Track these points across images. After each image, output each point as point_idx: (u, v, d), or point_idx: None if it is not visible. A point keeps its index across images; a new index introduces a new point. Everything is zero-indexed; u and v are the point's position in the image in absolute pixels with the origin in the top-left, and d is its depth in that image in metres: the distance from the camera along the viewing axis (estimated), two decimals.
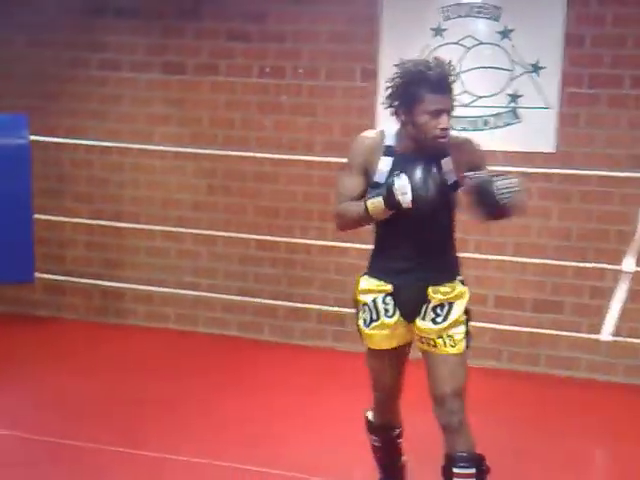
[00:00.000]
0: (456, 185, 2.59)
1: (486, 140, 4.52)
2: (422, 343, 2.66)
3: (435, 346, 2.62)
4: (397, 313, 2.66)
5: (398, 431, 2.91)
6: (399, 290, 2.64)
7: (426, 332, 2.63)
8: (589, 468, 3.67)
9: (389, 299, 2.65)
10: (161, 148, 5.18)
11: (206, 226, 5.13)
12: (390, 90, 2.56)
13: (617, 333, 4.18)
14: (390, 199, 2.46)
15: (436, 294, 2.62)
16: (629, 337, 4.41)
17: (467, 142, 2.66)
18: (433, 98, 2.46)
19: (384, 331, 2.66)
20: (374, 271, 2.70)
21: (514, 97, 4.67)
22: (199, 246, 5.27)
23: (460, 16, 4.73)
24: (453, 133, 2.58)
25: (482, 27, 4.70)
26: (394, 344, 2.70)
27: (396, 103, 2.54)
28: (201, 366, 4.63)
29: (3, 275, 5.03)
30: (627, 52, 4.48)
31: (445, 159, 2.58)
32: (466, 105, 4.71)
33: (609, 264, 4.25)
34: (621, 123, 4.52)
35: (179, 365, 4.62)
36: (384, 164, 2.58)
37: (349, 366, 4.14)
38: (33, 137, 4.99)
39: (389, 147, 2.57)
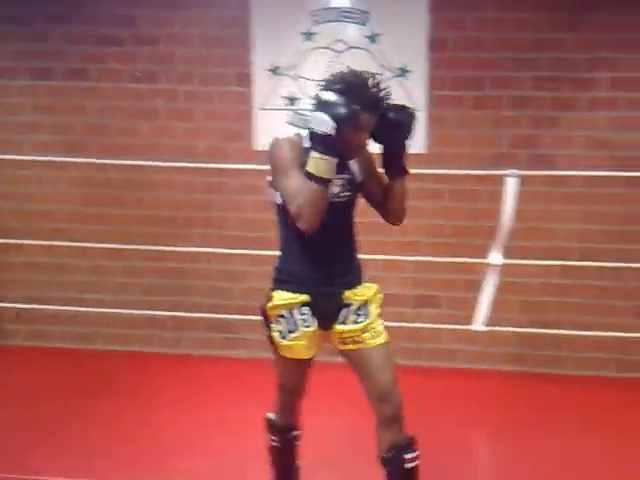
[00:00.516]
0: (360, 186, 2.71)
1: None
2: (346, 344, 2.69)
3: (362, 342, 2.66)
4: (315, 322, 2.65)
5: (297, 433, 2.99)
6: (316, 299, 2.63)
7: (350, 332, 2.66)
8: (469, 453, 3.88)
9: (306, 309, 2.64)
10: (33, 158, 5.01)
11: (83, 238, 5.03)
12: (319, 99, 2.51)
13: (491, 323, 4.41)
14: (317, 139, 2.42)
15: (354, 297, 2.68)
16: (502, 327, 4.67)
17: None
18: (362, 116, 2.49)
19: (303, 341, 2.65)
20: (286, 283, 2.67)
21: None
22: (79, 259, 5.15)
23: (329, 21, 4.83)
24: None
25: (351, 31, 4.82)
26: (312, 353, 2.72)
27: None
28: (90, 384, 4.52)
29: None
30: (486, 55, 4.71)
31: (351, 161, 2.66)
32: None
33: (480, 258, 4.47)
34: (484, 123, 4.76)
35: (68, 385, 4.51)
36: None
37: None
38: None
39: (308, 149, 2.53)
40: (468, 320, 4.43)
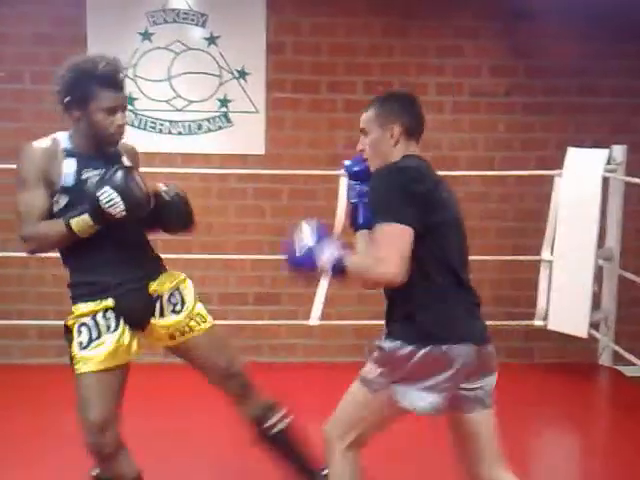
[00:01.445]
0: None
1: (202, 143, 4.84)
2: (174, 338, 2.62)
3: (192, 330, 2.61)
4: (121, 325, 2.50)
5: (136, 474, 2.61)
6: (120, 300, 2.49)
7: (175, 324, 2.59)
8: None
9: (109, 313, 2.49)
10: None
11: None
12: (60, 87, 2.44)
13: (327, 317, 4.58)
14: (98, 214, 2.36)
15: (162, 286, 2.59)
16: (337, 320, 4.86)
17: (133, 148, 2.70)
18: (107, 95, 2.41)
19: (108, 348, 2.46)
20: (84, 294, 2.51)
21: (224, 102, 4.88)
22: None
23: (167, 22, 4.82)
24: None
25: (190, 33, 4.83)
26: (118, 361, 2.50)
27: (68, 99, 2.43)
28: None
29: None
30: (322, 59, 4.89)
31: (123, 157, 2.59)
32: (179, 110, 4.84)
33: None
34: (320, 125, 4.93)
35: None
36: (68, 166, 2.45)
37: None
38: None
39: (67, 149, 2.46)
40: (306, 315, 4.54)
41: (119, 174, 2.38)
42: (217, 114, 4.88)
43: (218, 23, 4.83)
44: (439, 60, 4.92)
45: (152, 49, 4.80)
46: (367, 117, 2.35)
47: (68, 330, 2.52)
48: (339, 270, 2.23)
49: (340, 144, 4.88)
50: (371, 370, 2.28)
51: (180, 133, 4.86)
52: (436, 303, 2.23)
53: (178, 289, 2.63)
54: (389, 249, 2.11)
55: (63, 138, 2.50)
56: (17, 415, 4.00)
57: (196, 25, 4.84)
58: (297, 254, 2.27)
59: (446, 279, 2.23)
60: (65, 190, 2.44)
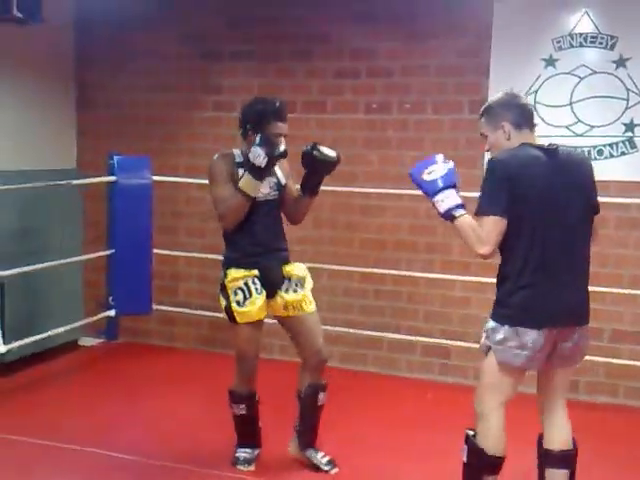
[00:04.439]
0: (284, 187, 3.48)
1: (601, 169, 4.51)
2: (287, 310, 3.44)
3: (301, 308, 3.44)
4: (263, 290, 3.38)
5: (257, 397, 3.54)
6: (264, 272, 3.38)
7: (292, 300, 3.43)
8: None
9: (256, 280, 3.37)
10: None
11: (310, 258, 5.19)
12: (243, 116, 3.39)
13: None
14: (252, 168, 3.24)
15: (292, 272, 3.46)
16: None
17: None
18: (277, 125, 3.32)
19: (257, 305, 3.34)
20: (240, 263, 3.38)
21: (630, 126, 4.52)
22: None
23: (573, 46, 4.64)
24: None
25: (596, 56, 4.58)
26: (263, 315, 3.40)
27: (249, 126, 3.35)
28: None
29: (125, 307, 5.26)
30: None
31: (276, 168, 3.44)
32: (579, 135, 4.60)
33: None
34: None
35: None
36: (241, 173, 3.34)
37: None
38: (154, 177, 5.23)
39: (239, 162, 3.39)
40: None
41: (262, 140, 3.24)
42: (621, 139, 4.54)
43: (629, 45, 4.51)
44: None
45: (555, 74, 4.66)
46: (480, 124, 2.85)
47: (223, 288, 3.39)
48: (449, 217, 2.73)
49: None
50: None
51: None
52: None
53: (302, 278, 3.48)
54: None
55: (237, 154, 3.43)
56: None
57: (604, 48, 4.58)
58: (424, 177, 2.80)
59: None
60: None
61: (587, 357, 2.95)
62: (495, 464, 2.75)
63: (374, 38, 5.06)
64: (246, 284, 3.36)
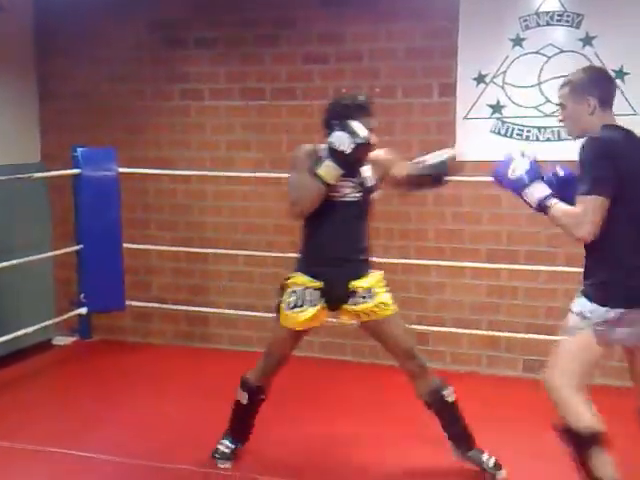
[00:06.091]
0: (372, 188, 3.25)
1: (572, 150, 4.48)
2: (359, 318, 3.29)
3: (375, 314, 3.25)
4: (320, 304, 3.25)
5: (263, 397, 3.47)
6: (327, 286, 3.23)
7: (361, 309, 3.25)
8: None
9: (316, 291, 3.23)
10: (242, 174, 5.23)
11: (287, 249, 5.14)
12: (329, 114, 3.21)
13: None
14: (334, 154, 3.06)
15: (360, 285, 3.24)
16: None
17: (377, 157, 3.29)
18: (364, 119, 3.13)
19: (304, 316, 3.24)
20: (306, 270, 3.26)
21: None
22: (281, 269, 5.28)
23: (540, 25, 4.61)
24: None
25: (563, 35, 4.56)
26: (308, 326, 3.30)
27: (334, 122, 3.13)
28: (304, 389, 4.59)
29: (97, 304, 5.18)
30: None
31: (364, 167, 3.22)
32: (548, 115, 4.59)
33: None
34: None
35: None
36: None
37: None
38: (120, 169, 5.14)
39: (321, 157, 3.14)
40: None
41: (348, 123, 3.06)
42: None
43: (595, 23, 4.50)
44: None
45: (523, 54, 4.64)
46: (562, 93, 2.77)
47: (283, 286, 3.29)
48: (542, 209, 2.73)
49: None
50: None
51: (549, 139, 4.61)
52: None
53: (370, 289, 3.25)
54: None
55: (321, 148, 3.17)
56: None
57: (570, 26, 4.56)
58: (509, 176, 2.78)
59: None
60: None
61: None
62: (599, 439, 2.64)
63: (341, 22, 4.99)
64: (303, 292, 3.24)
